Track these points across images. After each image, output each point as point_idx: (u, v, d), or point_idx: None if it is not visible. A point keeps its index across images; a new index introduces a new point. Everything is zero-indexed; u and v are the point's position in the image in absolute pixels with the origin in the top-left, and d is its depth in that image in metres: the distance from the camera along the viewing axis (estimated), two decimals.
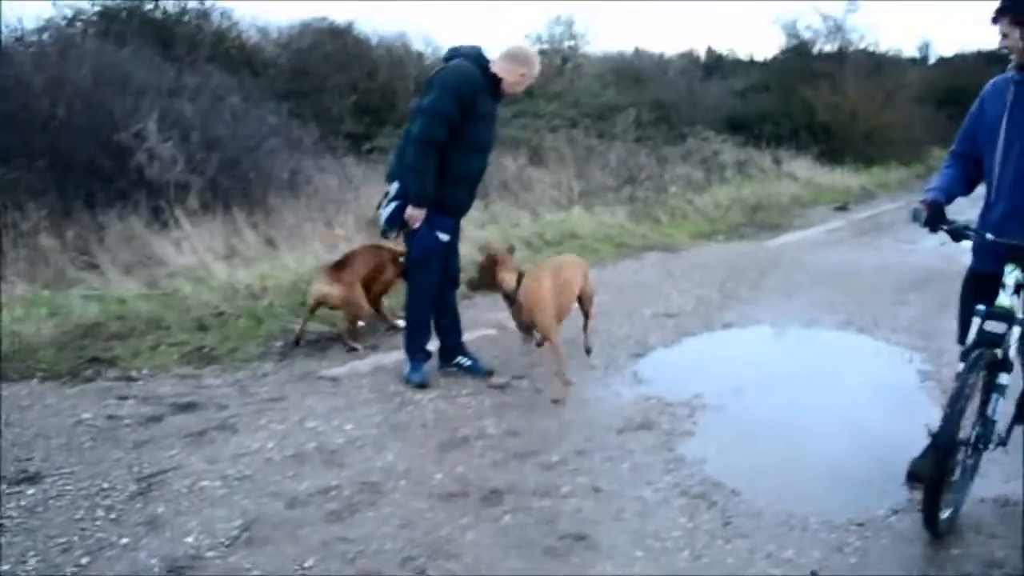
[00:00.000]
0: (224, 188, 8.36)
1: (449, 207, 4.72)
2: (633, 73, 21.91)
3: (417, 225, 4.62)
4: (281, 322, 5.97)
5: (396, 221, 4.69)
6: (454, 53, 4.67)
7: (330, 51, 14.63)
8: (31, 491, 3.48)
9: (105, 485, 3.54)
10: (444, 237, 4.71)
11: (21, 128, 7.80)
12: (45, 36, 10.70)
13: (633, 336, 6.03)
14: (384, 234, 4.93)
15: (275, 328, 5.87)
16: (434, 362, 5.05)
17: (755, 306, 6.98)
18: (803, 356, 5.73)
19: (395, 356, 5.22)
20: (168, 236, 7.31)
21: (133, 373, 4.90)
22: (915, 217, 3.46)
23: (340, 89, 13.83)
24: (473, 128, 4.55)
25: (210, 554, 3.06)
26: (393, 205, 4.67)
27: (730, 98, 21.30)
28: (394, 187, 4.68)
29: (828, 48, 22.71)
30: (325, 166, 10.32)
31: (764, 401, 4.80)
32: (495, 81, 4.62)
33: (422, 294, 4.84)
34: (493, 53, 4.70)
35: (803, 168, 16.99)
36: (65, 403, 4.41)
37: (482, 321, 6.09)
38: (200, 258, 6.99)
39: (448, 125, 4.43)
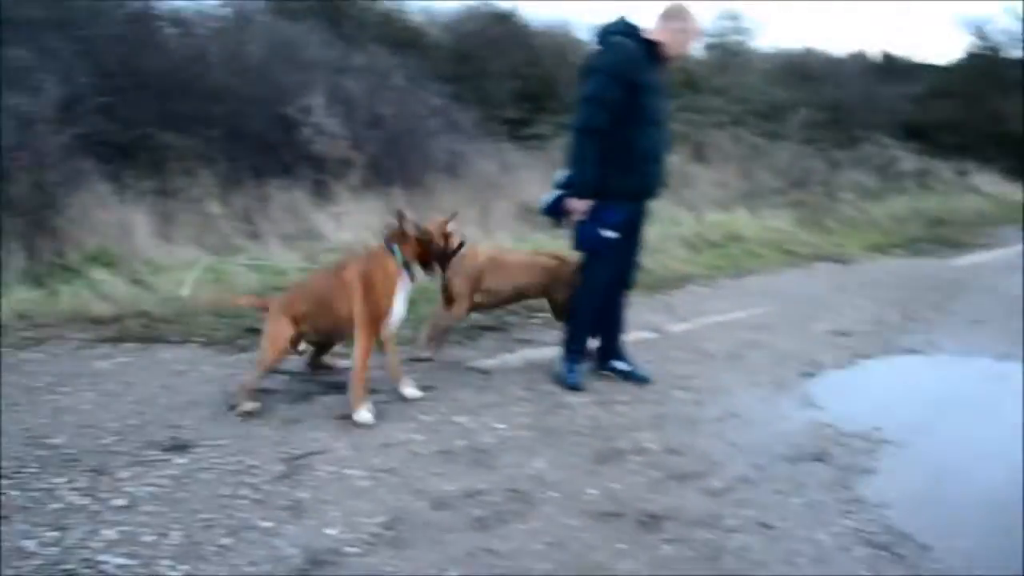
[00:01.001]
0: (385, 166, 8.38)
1: (635, 192, 4.43)
2: (803, 71, 20.86)
3: (578, 217, 4.37)
4: (434, 305, 5.84)
5: (555, 209, 4.49)
6: (605, 32, 4.36)
7: (493, 36, 14.58)
8: (180, 460, 3.45)
9: (252, 462, 3.47)
10: (609, 235, 4.38)
11: (199, 97, 8.04)
12: (226, 11, 11.07)
13: (803, 354, 5.57)
14: (555, 220, 4.67)
15: (426, 312, 5.75)
16: (591, 363, 4.78)
17: (940, 332, 6.35)
18: (999, 394, 5.12)
19: (546, 352, 5.00)
20: (328, 210, 7.37)
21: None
22: None
23: (502, 74, 13.74)
24: (644, 103, 4.24)
25: (350, 550, 2.92)
26: (556, 193, 4.46)
27: (907, 103, 19.95)
28: (561, 174, 4.46)
29: (1019, 54, 20.88)
30: (483, 150, 10.23)
31: (956, 441, 4.29)
32: (655, 49, 4.30)
33: (590, 290, 4.58)
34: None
35: (989, 183, 15.71)
36: (220, 371, 4.41)
37: (641, 323, 5.77)
38: (357, 235, 6.99)
39: (609, 110, 4.17)
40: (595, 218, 4.34)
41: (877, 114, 18.08)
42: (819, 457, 3.98)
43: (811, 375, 5.16)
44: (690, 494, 3.52)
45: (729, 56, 18.24)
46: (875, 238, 10.54)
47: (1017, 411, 4.77)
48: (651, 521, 3.29)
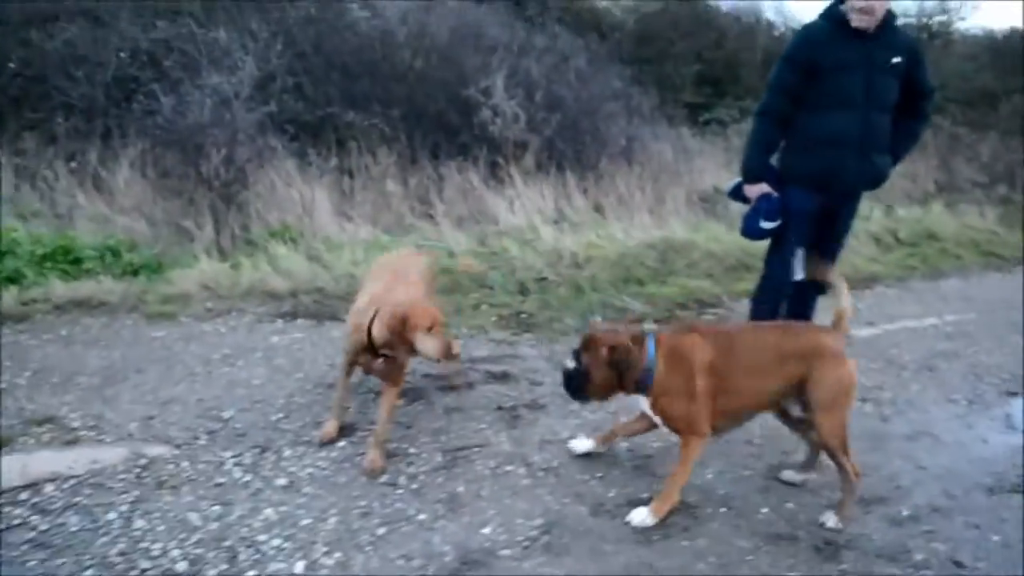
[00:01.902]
0: (560, 149, 8.25)
1: (811, 179, 4.03)
2: (1013, 54, 19.02)
3: (751, 204, 4.12)
4: (602, 295, 5.68)
5: (737, 195, 4.27)
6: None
7: (678, 16, 14.12)
8: (342, 443, 3.45)
9: (412, 451, 3.43)
10: (767, 225, 4.06)
11: (383, 78, 8.18)
12: None
13: (1005, 368, 5.01)
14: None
15: (595, 300, 5.60)
16: None
17: None
18: None
19: None
20: (502, 193, 7.32)
21: (453, 331, 4.82)
22: None
23: (684, 56, 13.30)
24: (830, 84, 3.88)
25: (505, 552, 2.80)
26: (740, 179, 4.22)
27: None
28: None
29: None
30: (660, 134, 9.90)
31: None
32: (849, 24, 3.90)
33: (766, 284, 4.28)
34: None
35: None
36: None
37: None
38: (529, 219, 6.91)
39: (785, 94, 3.96)
40: (758, 206, 4.08)
41: None
42: (1021, 489, 3.52)
43: (1015, 394, 4.62)
44: (873, 521, 3.19)
45: (930, 37, 16.86)
46: None
47: None
48: (828, 548, 2.99)
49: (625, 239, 6.86)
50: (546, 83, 8.57)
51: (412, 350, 3.21)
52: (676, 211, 7.81)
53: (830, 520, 3.13)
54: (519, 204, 7.13)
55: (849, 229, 4.19)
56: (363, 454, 3.34)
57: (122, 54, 7.59)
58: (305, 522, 2.90)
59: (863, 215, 8.81)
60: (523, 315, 5.20)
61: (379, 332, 3.24)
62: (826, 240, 4.15)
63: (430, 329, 3.16)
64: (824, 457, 3.27)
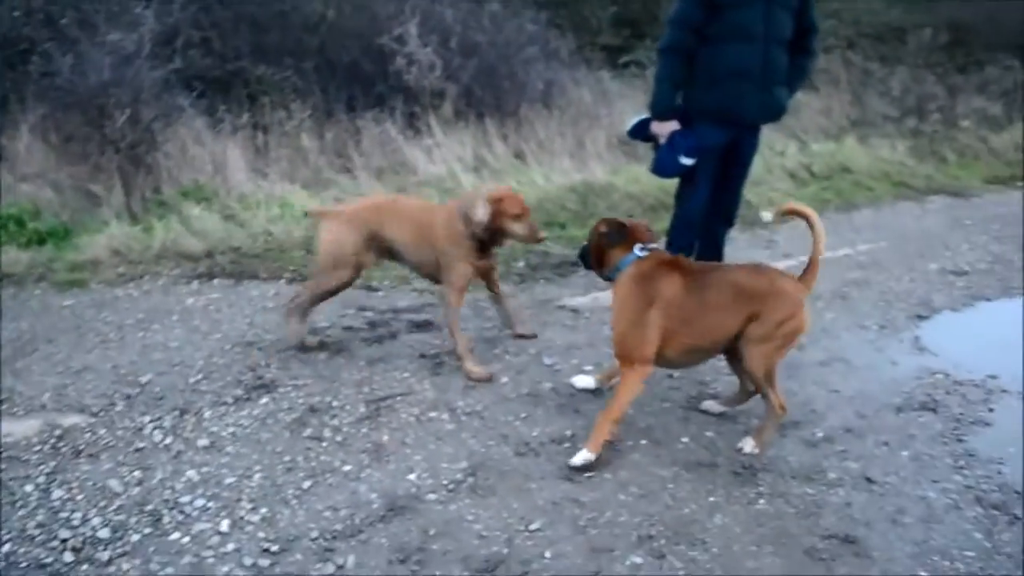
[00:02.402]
0: (478, 96, 8.16)
1: (719, 114, 4.10)
2: None
3: (662, 141, 4.15)
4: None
5: (640, 132, 4.31)
6: None
7: None
8: (264, 400, 3.42)
9: (335, 403, 3.41)
10: (685, 161, 4.11)
11: (293, 29, 7.96)
12: None
13: (914, 293, 5.20)
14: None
15: (517, 248, 5.59)
16: None
17: None
18: None
19: None
20: (420, 143, 7.23)
21: (374, 283, 4.79)
22: None
23: None
24: (731, 18, 3.95)
25: (431, 497, 2.83)
26: (642, 116, 4.29)
27: None
28: None
29: None
30: (580, 78, 9.85)
31: None
32: None
33: (682, 223, 4.34)
34: None
35: None
36: None
37: (742, 260, 5.46)
38: (449, 167, 6.86)
39: (688, 29, 4.00)
40: (673, 143, 4.12)
41: (1003, 34, 16.70)
42: (929, 407, 3.70)
43: (923, 318, 4.81)
44: (789, 444, 3.31)
45: None
46: (996, 170, 9.78)
47: None
48: (746, 473, 3.10)
49: (546, 184, 6.88)
50: (461, 29, 8.43)
51: (503, 234, 3.63)
52: (597, 154, 7.83)
53: (747, 445, 3.23)
54: (438, 153, 7.06)
55: (752, 162, 4.26)
56: (286, 410, 3.33)
57: (15, 13, 7.22)
58: (229, 480, 2.88)
59: (778, 151, 9.00)
60: None
61: (482, 214, 3.51)
62: (731, 174, 4.22)
63: (519, 216, 3.57)
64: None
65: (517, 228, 3.59)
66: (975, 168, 9.81)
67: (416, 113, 7.68)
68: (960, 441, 3.41)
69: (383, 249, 3.74)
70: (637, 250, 3.19)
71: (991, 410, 3.70)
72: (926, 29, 14.02)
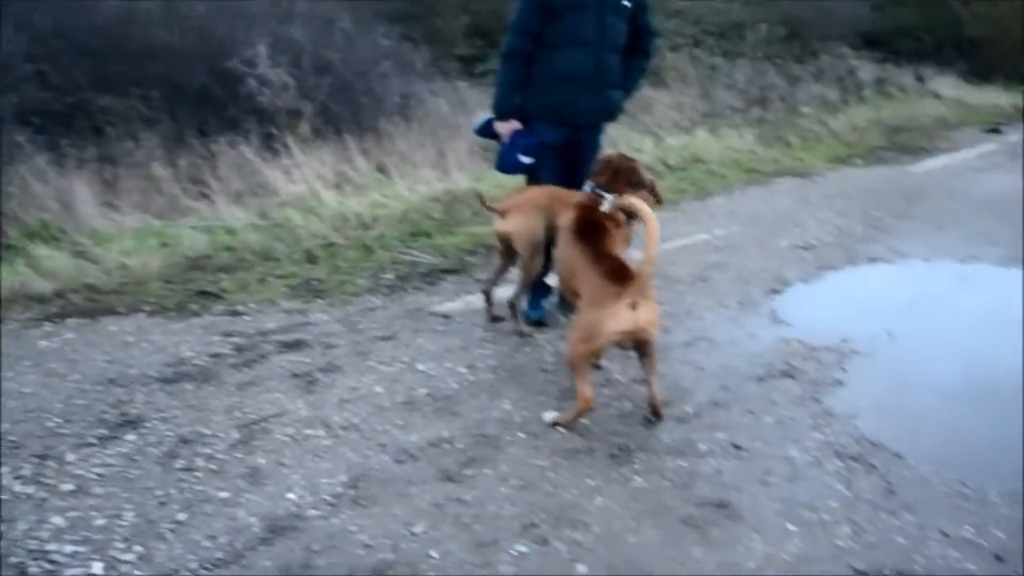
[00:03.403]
0: (335, 114, 8.09)
1: (554, 114, 4.29)
2: None
3: (504, 140, 4.34)
4: (392, 253, 5.70)
5: (485, 132, 4.47)
6: None
7: None
8: (130, 436, 3.30)
9: (206, 432, 3.33)
10: (524, 159, 4.31)
11: (135, 56, 7.69)
12: None
13: (768, 270, 5.50)
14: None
15: (386, 259, 5.60)
16: (554, 297, 4.64)
17: (903, 238, 6.29)
18: (962, 297, 5.06)
19: (511, 291, 4.86)
20: (279, 164, 7.11)
21: (240, 307, 4.69)
22: None
23: (452, 10, 13.31)
24: (569, 23, 4.13)
25: (313, 513, 2.81)
26: (487, 116, 4.44)
27: (865, 11, 19.66)
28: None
29: None
30: (437, 90, 9.93)
31: (921, 348, 4.26)
32: None
33: None
34: None
35: (948, 86, 15.61)
36: (170, 339, 4.23)
37: None
38: (310, 187, 6.77)
39: (526, 34, 4.17)
40: (514, 142, 4.29)
41: (834, 25, 17.78)
42: (788, 373, 3.94)
43: (777, 292, 5.10)
44: (661, 423, 3.45)
45: None
46: (836, 150, 10.44)
47: (982, 313, 4.74)
48: (622, 454, 3.22)
49: (410, 195, 6.89)
50: (313, 47, 8.34)
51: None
52: (458, 163, 7.89)
53: (547, 416, 3.41)
54: (298, 173, 6.96)
55: (592, 159, 4.42)
56: (155, 444, 3.23)
57: None
58: (99, 522, 2.77)
59: (635, 147, 9.30)
60: (313, 282, 5.12)
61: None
62: (575, 171, 4.39)
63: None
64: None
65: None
66: (817, 150, 10.42)
67: (272, 134, 7.55)
68: (818, 402, 3.65)
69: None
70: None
71: (844, 371, 3.98)
72: (763, 24, 14.77)
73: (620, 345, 3.31)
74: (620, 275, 3.24)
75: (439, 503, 2.87)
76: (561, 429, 3.36)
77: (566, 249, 3.56)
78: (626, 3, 4.23)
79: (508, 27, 4.25)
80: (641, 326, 3.19)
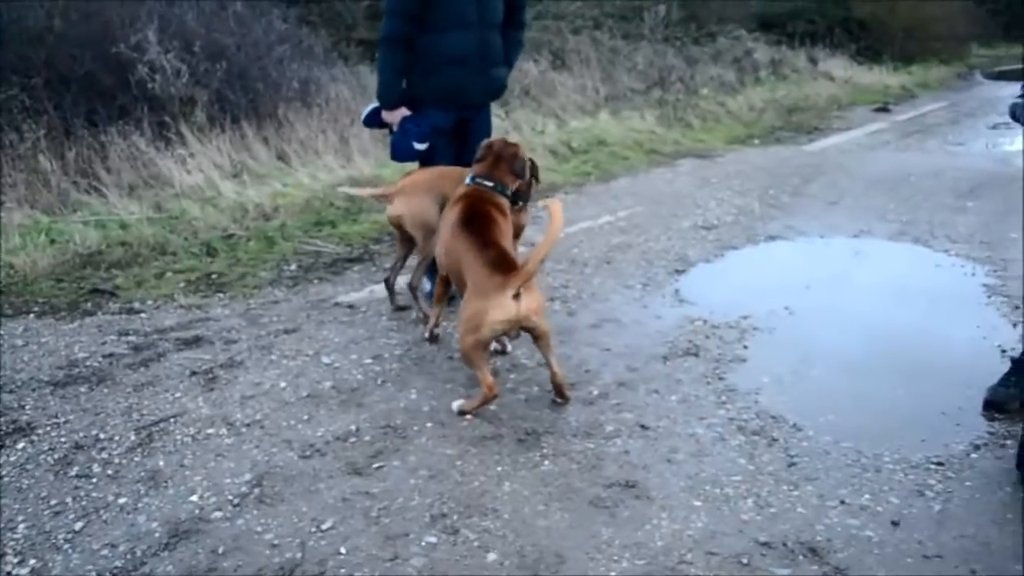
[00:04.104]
0: (231, 101, 7.88)
1: (442, 97, 4.27)
2: None
3: (395, 128, 4.29)
4: (294, 243, 5.60)
5: (373, 120, 4.42)
6: None
7: None
8: (21, 445, 3.16)
9: (102, 436, 3.22)
10: (419, 146, 4.28)
11: (15, 42, 7.32)
12: None
13: (671, 250, 5.61)
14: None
15: (288, 250, 5.51)
16: (428, 285, 4.59)
17: (799, 216, 6.51)
18: (856, 271, 5.27)
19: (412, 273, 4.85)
20: (173, 154, 6.89)
21: (136, 304, 4.55)
22: (1015, 115, 2.98)
23: None
24: (449, 4, 4.12)
25: (217, 515, 2.74)
26: (373, 105, 4.37)
27: None
28: None
29: None
30: (337, 75, 9.77)
31: (817, 322, 4.41)
32: None
33: None
34: None
35: (840, 67, 16.21)
36: (61, 341, 4.08)
37: None
38: (207, 177, 6.60)
39: (405, 18, 4.10)
40: (405, 129, 4.25)
41: (731, 8, 18.25)
42: (692, 352, 4.02)
43: (681, 272, 5.20)
44: (568, 406, 3.49)
45: None
46: (735, 131, 10.73)
47: (874, 286, 4.94)
48: (529, 439, 3.23)
49: (312, 183, 6.78)
50: (205, 32, 8.09)
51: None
52: (361, 149, 7.79)
53: (454, 405, 3.43)
54: (194, 163, 6.76)
55: (484, 137, 4.43)
56: (48, 452, 3.11)
57: None
58: None
59: (539, 130, 9.36)
60: (213, 276, 5.00)
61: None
62: (469, 152, 4.38)
63: None
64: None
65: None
66: (716, 131, 10.69)
67: (166, 123, 7.31)
68: (721, 379, 3.74)
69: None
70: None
71: (745, 347, 4.08)
72: (662, 7, 15.01)
73: (506, 334, 3.36)
74: (503, 265, 3.27)
75: (347, 498, 2.84)
76: (469, 416, 3.37)
77: (451, 240, 3.55)
78: None
79: (386, 11, 4.15)
80: (524, 314, 3.24)
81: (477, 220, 3.51)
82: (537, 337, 3.37)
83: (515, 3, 4.44)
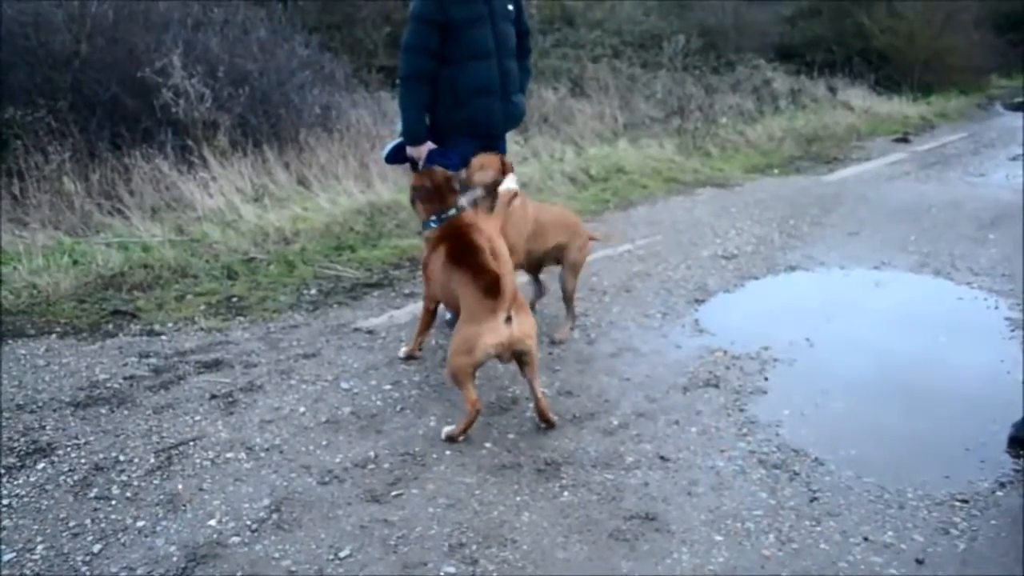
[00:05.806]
0: (253, 125, 7.95)
1: (468, 128, 4.31)
2: None
3: (421, 163, 4.31)
4: (315, 268, 5.62)
5: (396, 157, 4.46)
6: None
7: None
8: (41, 465, 3.18)
9: (121, 458, 3.23)
10: None
11: (42, 66, 7.43)
12: None
13: (691, 280, 5.59)
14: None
15: (308, 274, 5.53)
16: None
17: (819, 246, 6.48)
18: (877, 303, 5.24)
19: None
20: (196, 177, 6.95)
21: (156, 327, 4.57)
22: None
23: (373, 20, 13.22)
24: (468, 37, 4.17)
25: (234, 540, 2.74)
26: (396, 141, 4.41)
27: (779, 24, 20.26)
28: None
29: None
30: (358, 100, 9.85)
31: (839, 354, 4.37)
32: None
33: None
34: None
35: (859, 97, 16.14)
36: (83, 362, 4.10)
37: None
38: (229, 200, 6.64)
39: (426, 53, 4.15)
40: (432, 163, 4.25)
41: (749, 37, 18.29)
42: (712, 383, 3.99)
43: (700, 301, 5.18)
44: (587, 436, 3.47)
45: None
46: (754, 160, 10.70)
47: (896, 318, 4.90)
48: (549, 468, 3.22)
49: (333, 208, 6.81)
50: (228, 58, 8.19)
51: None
52: (381, 174, 7.82)
53: (444, 431, 3.43)
54: (216, 186, 6.82)
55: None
56: (68, 473, 3.12)
57: None
58: (8, 557, 2.66)
59: (557, 157, 9.38)
60: (233, 299, 5.03)
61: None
62: None
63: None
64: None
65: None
66: (735, 159, 10.66)
67: (188, 146, 7.38)
68: (741, 411, 3.71)
69: None
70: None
71: (766, 379, 4.05)
72: (681, 36, 15.07)
73: (499, 358, 3.39)
74: (495, 290, 3.30)
75: (365, 525, 2.83)
76: (488, 444, 3.36)
77: (443, 273, 3.64)
78: (510, 7, 4.35)
79: (404, 48, 4.20)
80: (517, 337, 3.31)
81: (464, 251, 3.55)
82: (525, 362, 3.41)
83: (522, 31, 4.53)
